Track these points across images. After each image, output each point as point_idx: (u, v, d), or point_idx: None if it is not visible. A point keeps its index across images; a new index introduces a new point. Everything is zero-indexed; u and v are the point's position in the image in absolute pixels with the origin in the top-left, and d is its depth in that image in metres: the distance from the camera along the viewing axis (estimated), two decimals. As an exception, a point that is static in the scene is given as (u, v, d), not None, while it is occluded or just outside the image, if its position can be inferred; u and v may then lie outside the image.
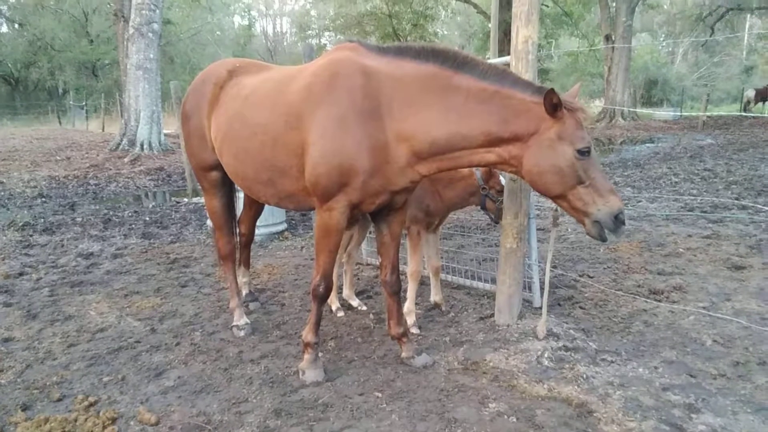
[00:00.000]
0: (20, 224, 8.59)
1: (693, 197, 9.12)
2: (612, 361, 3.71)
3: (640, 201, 9.09)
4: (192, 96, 4.42)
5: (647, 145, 20.05)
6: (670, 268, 5.56)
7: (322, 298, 3.64)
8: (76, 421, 3.16)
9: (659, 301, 4.72)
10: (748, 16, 44.43)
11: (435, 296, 4.82)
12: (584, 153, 2.99)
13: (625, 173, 12.48)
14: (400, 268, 3.99)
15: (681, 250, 6.16)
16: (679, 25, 41.51)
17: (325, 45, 46.35)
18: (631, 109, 24.90)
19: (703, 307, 4.53)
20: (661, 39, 49.03)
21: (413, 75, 3.25)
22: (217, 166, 4.35)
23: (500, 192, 4.41)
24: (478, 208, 4.67)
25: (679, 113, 31.97)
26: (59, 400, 3.48)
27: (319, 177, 3.32)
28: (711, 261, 5.73)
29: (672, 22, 43.20)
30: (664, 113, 33.53)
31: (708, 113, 27.22)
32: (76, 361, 4.02)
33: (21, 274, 6.17)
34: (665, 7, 44.17)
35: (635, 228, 7.26)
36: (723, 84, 46.99)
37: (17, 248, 7.32)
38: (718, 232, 6.79)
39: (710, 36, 35.81)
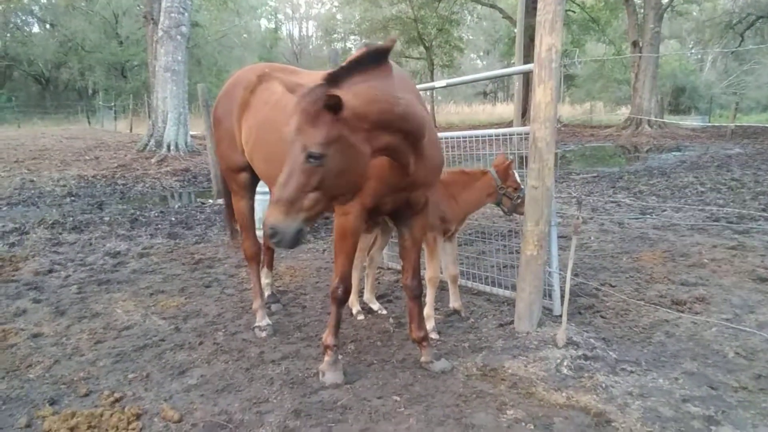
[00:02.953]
0: (50, 222, 8.79)
1: (719, 207, 9.00)
2: (632, 371, 3.70)
3: (665, 210, 9.00)
4: (223, 100, 4.55)
5: (674, 153, 19.81)
6: (694, 279, 5.51)
7: (341, 301, 3.68)
8: (101, 416, 3.25)
9: (682, 312, 4.68)
10: (780, 24, 43.69)
11: (454, 303, 4.85)
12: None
13: (651, 182, 12.36)
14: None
15: (705, 260, 6.09)
16: (709, 32, 40.94)
17: (350, 49, 46.57)
18: (658, 119, 24.52)
19: (726, 319, 4.48)
20: (690, 46, 48.40)
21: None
22: (246, 168, 4.46)
23: (516, 189, 4.63)
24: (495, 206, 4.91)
25: (707, 122, 31.53)
26: (86, 395, 3.57)
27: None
28: (736, 272, 5.66)
29: (701, 29, 42.59)
30: (692, 121, 33.10)
31: (737, 122, 26.80)
32: (102, 358, 4.12)
33: (50, 272, 6.32)
34: (694, 14, 43.53)
35: (659, 237, 7.19)
36: (753, 92, 46.13)
37: (47, 246, 7.49)
38: (743, 243, 6.70)
39: (740, 44, 35.29)
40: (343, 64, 2.89)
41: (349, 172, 2.83)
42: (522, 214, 4.47)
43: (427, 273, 4.54)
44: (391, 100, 2.97)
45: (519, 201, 4.60)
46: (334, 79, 2.78)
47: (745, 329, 4.17)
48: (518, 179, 4.67)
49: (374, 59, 2.93)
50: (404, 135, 3.10)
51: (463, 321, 4.73)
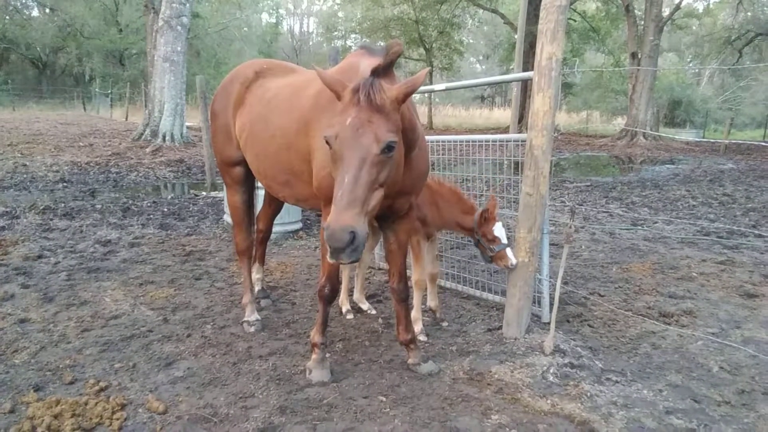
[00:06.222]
0: (41, 208, 8.74)
1: (710, 221, 9.06)
2: (617, 381, 3.72)
3: (656, 222, 9.05)
4: (221, 95, 4.56)
5: (667, 166, 19.91)
6: (682, 292, 5.55)
7: (328, 299, 3.69)
8: (86, 404, 3.23)
9: (668, 324, 4.71)
10: (778, 41, 43.99)
11: (431, 302, 4.83)
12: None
13: (643, 193, 12.42)
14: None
15: (694, 274, 6.13)
16: (707, 47, 41.17)
17: (350, 47, 46.53)
18: (653, 132, 24.66)
19: (712, 333, 4.51)
20: (688, 60, 48.64)
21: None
22: (241, 163, 4.47)
23: (491, 241, 4.36)
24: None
25: (701, 136, 31.70)
26: (71, 383, 3.56)
27: (322, 181, 3.40)
28: (723, 287, 5.70)
29: (700, 43, 42.84)
30: (687, 135, 33.29)
31: (731, 138, 26.97)
32: (89, 346, 4.10)
33: (40, 257, 6.29)
34: (694, 28, 43.83)
35: (649, 249, 7.23)
36: (748, 109, 46.47)
37: (37, 231, 7.45)
38: (732, 259, 6.75)
39: (738, 60, 35.52)
40: (380, 64, 2.85)
41: (400, 166, 2.81)
42: (498, 266, 4.41)
43: (413, 276, 4.55)
44: (409, 108, 2.99)
45: (492, 255, 4.37)
46: (378, 76, 2.77)
47: (731, 344, 4.20)
48: (497, 233, 4.35)
49: (393, 65, 2.95)
50: (405, 146, 3.10)
51: (451, 324, 4.74)
